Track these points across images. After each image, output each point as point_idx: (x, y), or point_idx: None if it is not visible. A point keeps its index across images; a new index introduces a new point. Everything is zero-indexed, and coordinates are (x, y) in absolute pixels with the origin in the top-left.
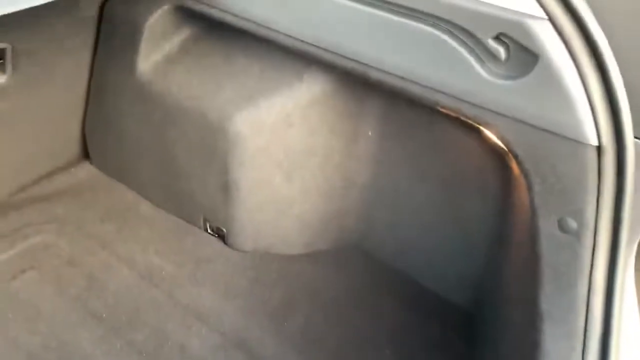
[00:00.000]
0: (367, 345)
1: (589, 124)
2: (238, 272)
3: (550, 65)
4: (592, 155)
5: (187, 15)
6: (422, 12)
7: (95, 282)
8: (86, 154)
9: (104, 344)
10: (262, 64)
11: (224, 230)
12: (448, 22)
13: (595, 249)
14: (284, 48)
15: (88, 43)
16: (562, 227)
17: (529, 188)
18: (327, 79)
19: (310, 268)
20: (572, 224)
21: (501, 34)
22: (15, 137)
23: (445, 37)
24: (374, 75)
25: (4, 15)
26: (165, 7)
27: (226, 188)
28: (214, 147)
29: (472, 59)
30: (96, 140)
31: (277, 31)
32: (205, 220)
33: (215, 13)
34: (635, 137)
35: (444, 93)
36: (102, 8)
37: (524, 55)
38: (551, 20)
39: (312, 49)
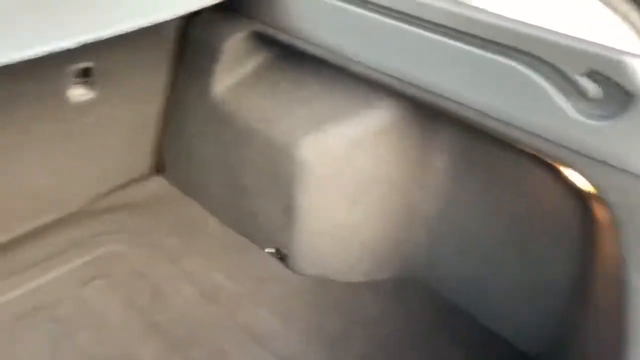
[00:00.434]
0: None
1: None
2: (297, 296)
3: None
4: None
5: (262, 40)
6: (503, 45)
7: (160, 295)
8: (159, 168)
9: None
10: (332, 90)
11: (285, 252)
12: (532, 55)
13: None
14: (355, 74)
15: (166, 62)
16: None
17: (619, 237)
18: (398, 106)
19: (370, 298)
20: None
21: (593, 70)
22: (95, 149)
23: (528, 71)
24: (449, 106)
25: None
26: (242, 33)
27: (289, 211)
28: (279, 170)
29: (557, 96)
30: (170, 155)
31: (349, 58)
32: (267, 241)
33: (288, 39)
34: None
35: (524, 130)
36: (181, 30)
37: (618, 94)
38: None
39: (383, 77)
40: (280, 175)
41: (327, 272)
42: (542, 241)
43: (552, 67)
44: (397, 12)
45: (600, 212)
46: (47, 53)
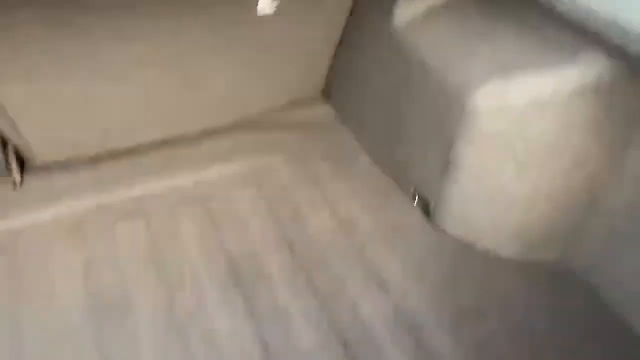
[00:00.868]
0: None
1: None
2: (434, 254)
3: None
4: None
5: None
6: None
7: (299, 214)
8: (326, 95)
9: (289, 274)
10: (528, 33)
11: (432, 205)
12: None
13: None
14: (563, 18)
15: None
16: None
17: None
18: (607, 65)
19: (514, 279)
20: None
21: None
22: (271, 65)
23: None
24: None
25: None
26: None
27: (446, 163)
28: (446, 117)
29: None
30: (338, 83)
31: None
32: (415, 189)
33: None
34: None
35: None
36: None
37: None
38: None
39: (598, 23)
40: (445, 123)
41: (472, 238)
42: None
43: None
44: None
45: None
46: None
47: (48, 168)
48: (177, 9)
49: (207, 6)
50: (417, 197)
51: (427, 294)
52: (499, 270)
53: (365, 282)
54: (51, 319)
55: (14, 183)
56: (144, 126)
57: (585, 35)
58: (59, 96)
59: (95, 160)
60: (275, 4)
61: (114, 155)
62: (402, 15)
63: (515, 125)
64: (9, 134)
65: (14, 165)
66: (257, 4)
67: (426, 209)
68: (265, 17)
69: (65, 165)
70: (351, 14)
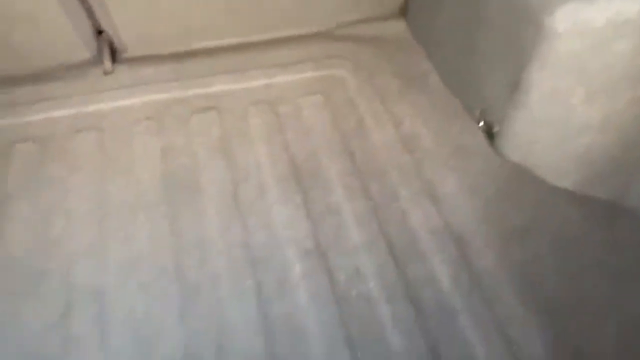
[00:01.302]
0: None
1: None
2: (491, 176)
3: None
4: None
5: None
6: None
7: (363, 127)
8: (402, 12)
9: (346, 179)
10: None
11: (496, 130)
12: None
13: None
14: None
15: None
16: None
17: None
18: None
19: (570, 208)
20: None
21: None
22: None
23: None
24: None
25: None
26: None
27: (515, 87)
28: (518, 36)
29: None
30: (416, 0)
31: None
32: (481, 112)
33: None
34: None
35: None
36: None
37: None
38: None
39: None
40: (517, 43)
41: (532, 166)
42: None
43: None
44: None
45: None
46: None
47: (135, 60)
48: None
49: None
50: (482, 121)
51: (477, 212)
52: (554, 197)
53: (418, 194)
54: (131, 191)
55: (105, 71)
56: (223, 29)
57: None
58: None
59: (177, 57)
60: None
61: (194, 54)
62: None
63: (591, 50)
64: (105, 24)
65: (106, 54)
66: None
67: (490, 133)
68: None
69: (151, 60)
70: None
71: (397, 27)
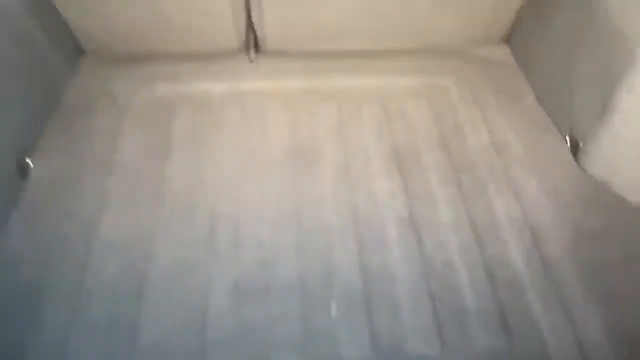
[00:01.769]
0: None
1: None
2: (572, 184)
3: None
4: None
5: None
6: None
7: (459, 129)
8: (506, 38)
9: (442, 169)
10: None
11: (581, 146)
12: None
13: None
14: None
15: None
16: None
17: None
18: None
19: None
20: None
21: None
22: (466, 3)
23: None
24: None
25: None
26: None
27: (603, 109)
28: (611, 62)
29: None
30: (521, 28)
31: None
32: (569, 129)
33: None
34: None
35: None
36: None
37: None
38: None
39: None
40: (611, 69)
41: (611, 182)
42: None
43: None
44: None
45: None
46: None
47: (274, 53)
48: None
49: None
50: (569, 136)
51: (555, 211)
52: (630, 211)
53: (503, 190)
54: (265, 152)
55: (250, 58)
56: (349, 36)
57: None
58: None
59: (308, 54)
60: None
61: (323, 53)
62: None
63: None
64: (256, 20)
65: (251, 45)
66: None
67: (575, 149)
68: None
69: (286, 54)
70: None
71: (501, 52)
